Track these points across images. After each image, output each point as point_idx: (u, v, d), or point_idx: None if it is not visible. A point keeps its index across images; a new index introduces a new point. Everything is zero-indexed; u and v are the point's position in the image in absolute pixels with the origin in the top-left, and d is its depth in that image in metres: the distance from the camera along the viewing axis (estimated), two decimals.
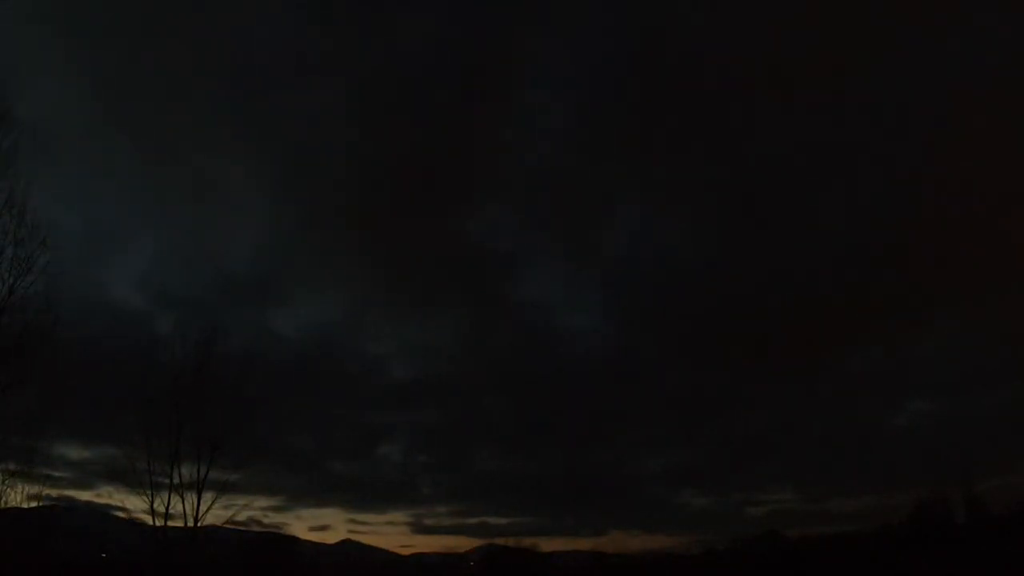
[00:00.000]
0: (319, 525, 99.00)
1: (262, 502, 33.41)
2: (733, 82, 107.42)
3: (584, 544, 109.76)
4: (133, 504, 30.81)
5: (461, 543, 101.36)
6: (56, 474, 34.05)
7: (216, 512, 31.77)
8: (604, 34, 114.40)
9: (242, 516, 33.54)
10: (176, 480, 30.78)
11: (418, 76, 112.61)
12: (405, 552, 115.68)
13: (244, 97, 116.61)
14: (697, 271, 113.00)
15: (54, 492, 34.89)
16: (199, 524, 31.04)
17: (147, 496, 30.22)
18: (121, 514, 31.98)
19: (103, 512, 42.02)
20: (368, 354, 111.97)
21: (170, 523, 30.70)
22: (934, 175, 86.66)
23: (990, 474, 71.32)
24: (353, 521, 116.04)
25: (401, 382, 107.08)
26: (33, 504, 31.12)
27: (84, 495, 40.48)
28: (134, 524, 31.66)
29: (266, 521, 60.32)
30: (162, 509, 30.43)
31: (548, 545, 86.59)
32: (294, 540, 68.99)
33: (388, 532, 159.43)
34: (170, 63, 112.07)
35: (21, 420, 23.35)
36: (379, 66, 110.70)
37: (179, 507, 30.66)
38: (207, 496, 31.30)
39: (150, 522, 30.62)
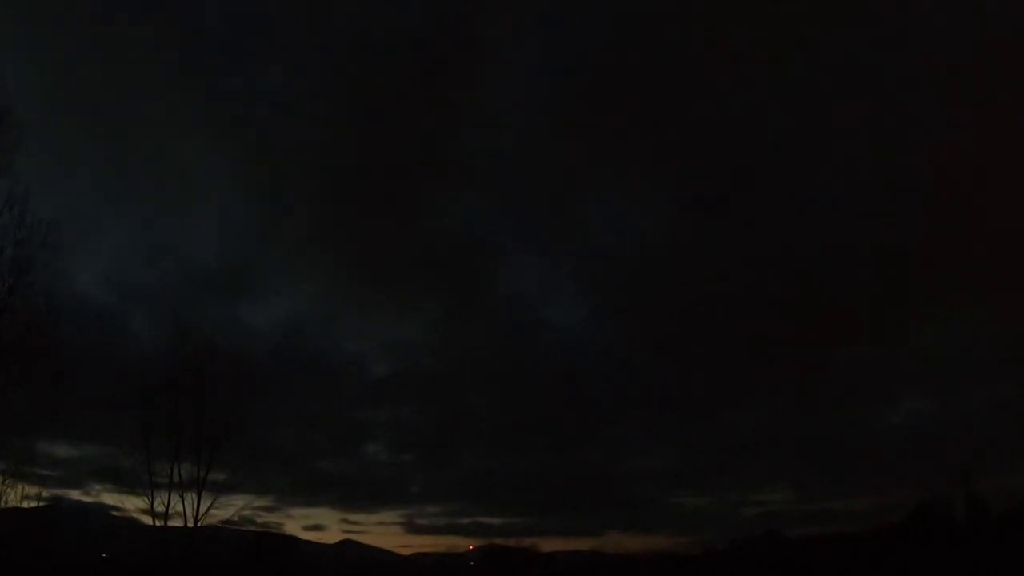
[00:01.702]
0: (312, 525, 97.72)
1: (252, 502, 33.65)
2: (713, 63, 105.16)
3: (582, 544, 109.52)
4: (132, 504, 30.96)
5: (457, 543, 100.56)
6: (55, 474, 34.19)
7: (211, 512, 31.93)
8: (574, 16, 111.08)
9: (234, 516, 33.44)
10: (176, 479, 30.95)
11: (385, 62, 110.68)
12: (404, 552, 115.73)
13: (204, 83, 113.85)
14: (681, 262, 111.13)
15: (53, 492, 35.02)
16: (199, 524, 31.15)
17: (147, 496, 30.35)
18: (120, 514, 32.13)
19: (103, 512, 42.18)
20: (345, 350, 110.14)
21: (170, 523, 30.82)
22: (932, 162, 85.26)
23: (990, 474, 71.05)
24: (345, 521, 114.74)
25: (380, 378, 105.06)
26: (33, 504, 31.23)
27: (83, 495, 40.60)
28: (134, 524, 31.75)
29: (259, 521, 59.81)
30: (162, 509, 30.55)
31: (545, 546, 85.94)
32: (294, 540, 69.02)
33: (381, 532, 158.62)
34: (127, 47, 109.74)
35: (21, 420, 23.36)
36: (343, 50, 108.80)
37: (179, 507, 30.83)
38: (207, 496, 31.44)
39: (150, 522, 30.76)
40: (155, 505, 30.40)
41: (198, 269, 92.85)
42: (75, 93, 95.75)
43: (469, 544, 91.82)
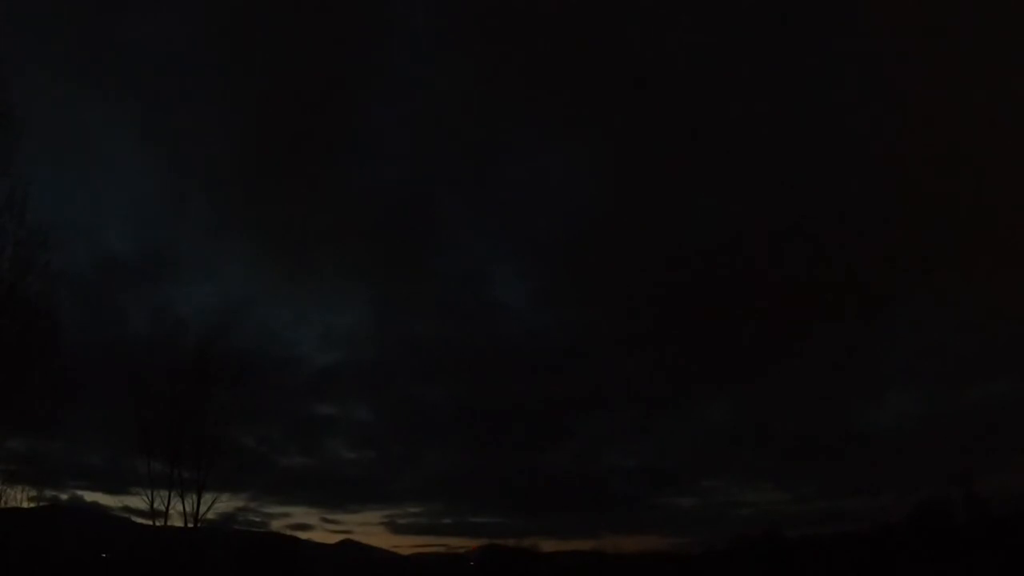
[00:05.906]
0: (295, 524, 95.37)
1: (231, 501, 33.21)
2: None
3: (582, 545, 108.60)
4: (132, 504, 31.07)
5: (457, 543, 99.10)
6: (56, 474, 34.12)
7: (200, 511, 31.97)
8: None
9: (212, 515, 33.31)
10: (176, 478, 31.01)
11: (292, 27, 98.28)
12: (404, 552, 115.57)
13: (99, 46, 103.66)
14: (638, 239, 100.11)
15: (53, 492, 35.00)
16: (199, 524, 31.23)
17: (146, 496, 30.42)
18: (120, 514, 32.23)
19: (103, 512, 42.23)
20: (282, 339, 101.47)
21: (169, 523, 30.89)
22: (928, 148, 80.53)
23: (990, 474, 70.72)
24: (326, 520, 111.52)
25: (324, 369, 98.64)
26: (33, 504, 31.21)
27: (84, 495, 40.65)
28: (134, 524, 31.83)
29: (240, 519, 59.09)
30: (162, 509, 30.62)
31: (543, 546, 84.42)
32: (295, 540, 69.14)
33: (367, 532, 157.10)
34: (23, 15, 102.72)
35: (21, 420, 23.35)
36: (249, 18, 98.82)
37: (179, 507, 30.91)
38: (207, 496, 31.51)
39: (149, 522, 30.82)
40: (155, 505, 30.49)
41: (111, 253, 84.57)
42: None
43: (471, 544, 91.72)
